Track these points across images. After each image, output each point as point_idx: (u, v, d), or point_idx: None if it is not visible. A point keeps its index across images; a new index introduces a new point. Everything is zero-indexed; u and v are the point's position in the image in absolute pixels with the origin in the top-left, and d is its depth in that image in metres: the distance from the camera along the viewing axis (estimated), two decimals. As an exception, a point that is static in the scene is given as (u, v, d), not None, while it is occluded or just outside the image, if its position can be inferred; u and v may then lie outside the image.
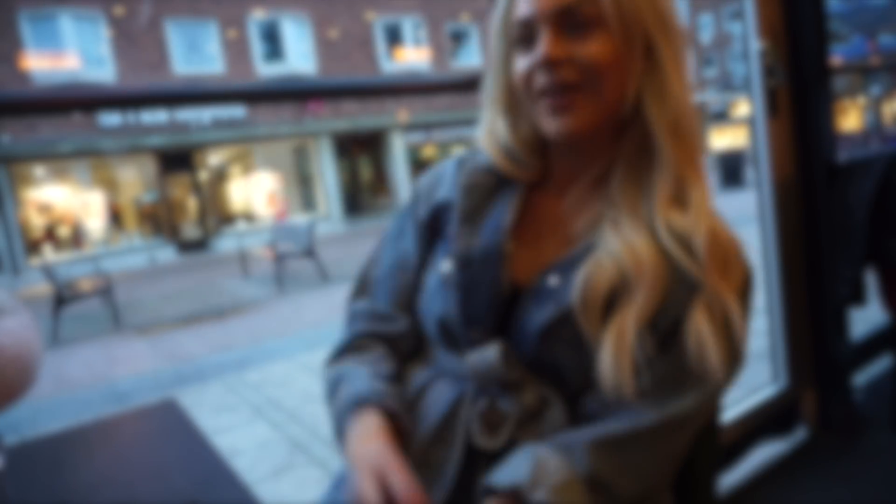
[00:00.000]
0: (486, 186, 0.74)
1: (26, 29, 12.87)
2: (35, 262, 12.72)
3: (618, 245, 0.64)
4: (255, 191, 16.52)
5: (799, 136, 1.71)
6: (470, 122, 0.77)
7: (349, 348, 0.77)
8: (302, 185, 17.34)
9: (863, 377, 2.02)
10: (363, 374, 0.71)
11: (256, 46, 15.57)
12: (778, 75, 1.66)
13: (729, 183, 12.73)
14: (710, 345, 0.61)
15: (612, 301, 0.63)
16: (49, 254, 13.62)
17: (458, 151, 0.82)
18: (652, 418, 0.62)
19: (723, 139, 23.19)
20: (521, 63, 0.67)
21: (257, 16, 15.47)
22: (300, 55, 16.05)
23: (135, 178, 15.25)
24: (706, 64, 24.80)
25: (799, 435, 1.78)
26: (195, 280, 10.14)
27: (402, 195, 17.22)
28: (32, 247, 13.61)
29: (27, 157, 13.37)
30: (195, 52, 14.88)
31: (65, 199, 14.15)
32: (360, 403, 0.67)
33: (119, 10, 13.73)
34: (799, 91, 1.69)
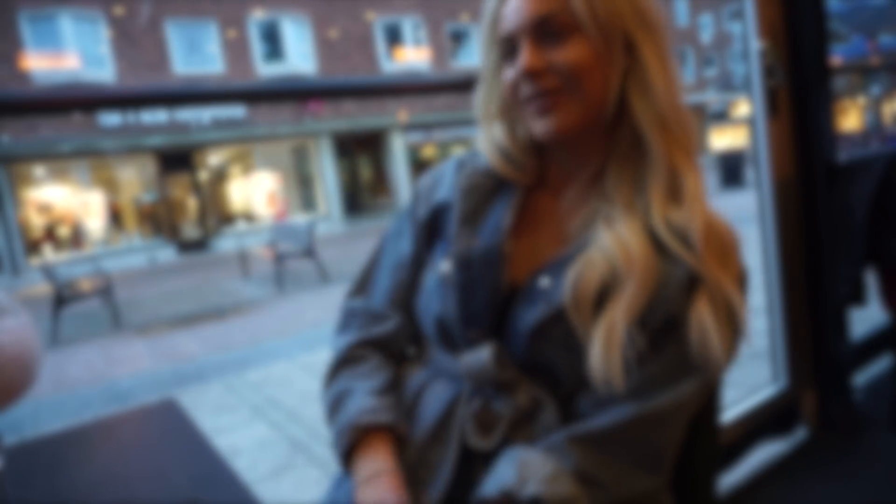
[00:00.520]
0: (486, 188, 0.75)
1: (26, 29, 12.87)
2: (35, 262, 12.72)
3: (609, 240, 0.65)
4: (254, 191, 16.52)
5: (799, 136, 1.71)
6: (470, 122, 0.78)
7: (345, 361, 0.78)
8: (302, 185, 17.34)
9: (863, 377, 2.01)
10: (359, 394, 0.73)
11: (256, 46, 15.57)
12: (778, 75, 1.66)
13: (729, 183, 12.73)
14: (713, 336, 0.62)
15: (603, 297, 0.64)
16: (49, 254, 13.62)
17: (458, 151, 0.83)
18: (632, 413, 0.63)
19: (723, 139, 23.20)
20: (508, 74, 0.69)
21: (257, 16, 15.47)
22: (300, 55, 16.05)
23: (135, 178, 15.25)
24: (706, 64, 24.79)
25: (799, 435, 1.78)
26: (195, 280, 10.14)
27: (402, 195, 17.23)
28: (32, 247, 13.61)
29: (27, 157, 13.37)
30: (195, 52, 14.88)
31: (65, 199, 14.15)
32: (356, 429, 0.70)
33: (119, 10, 13.73)
34: (799, 91, 1.69)
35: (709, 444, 0.80)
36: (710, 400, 0.78)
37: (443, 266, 0.73)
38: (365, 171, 19.04)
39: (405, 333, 0.79)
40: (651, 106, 0.65)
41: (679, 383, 0.64)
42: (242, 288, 8.44)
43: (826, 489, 1.55)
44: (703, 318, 0.62)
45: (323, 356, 0.81)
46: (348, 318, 0.82)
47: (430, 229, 0.78)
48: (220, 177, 16.93)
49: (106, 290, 6.95)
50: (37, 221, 13.98)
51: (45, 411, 3.81)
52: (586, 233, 0.68)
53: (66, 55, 13.16)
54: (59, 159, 13.85)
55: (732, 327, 0.63)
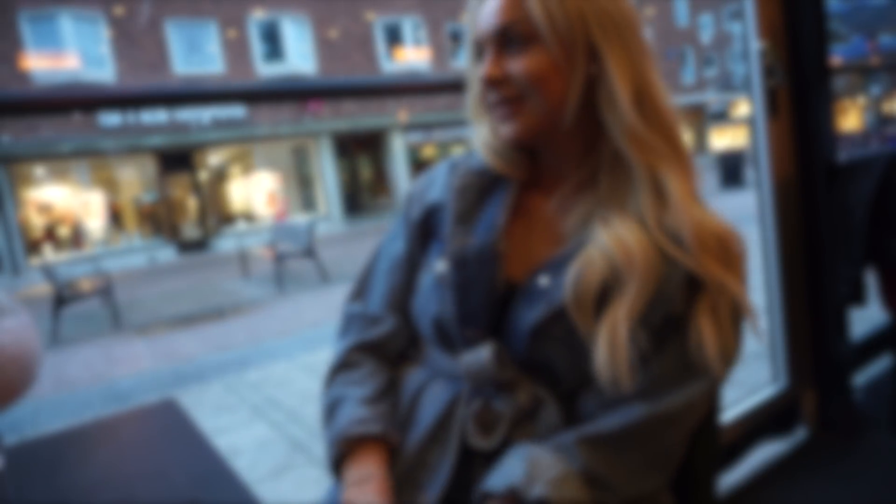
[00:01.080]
0: (479, 187, 0.75)
1: (26, 29, 12.87)
2: (35, 262, 12.72)
3: (608, 240, 0.64)
4: (254, 191, 16.52)
5: (799, 136, 1.71)
6: (470, 122, 0.79)
7: (341, 366, 0.79)
8: (302, 185, 17.33)
9: (863, 377, 2.01)
10: (350, 403, 0.74)
11: (256, 46, 15.56)
12: (778, 75, 1.66)
13: (729, 183, 12.73)
14: (717, 337, 0.62)
15: (604, 296, 0.63)
16: (49, 254, 13.62)
17: (458, 151, 0.83)
18: (643, 414, 0.63)
19: (723, 139, 23.21)
20: (476, 79, 0.72)
21: (257, 16, 15.46)
22: (300, 55, 16.05)
23: (135, 178, 15.25)
24: (706, 64, 24.79)
25: (799, 435, 1.78)
26: (195, 280, 10.14)
27: (402, 195, 17.21)
28: (32, 247, 13.61)
29: (27, 157, 13.37)
30: (195, 52, 14.88)
31: (65, 199, 14.14)
32: (346, 440, 0.71)
33: (119, 10, 13.73)
34: (799, 91, 1.69)
35: (709, 444, 0.80)
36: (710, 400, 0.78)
37: (438, 266, 0.73)
38: (365, 171, 19.04)
39: (402, 335, 0.80)
40: (618, 117, 0.65)
41: (687, 384, 0.64)
42: (242, 288, 8.44)
43: (826, 489, 1.55)
44: (705, 319, 0.62)
45: (323, 356, 0.81)
46: (347, 323, 0.83)
47: (424, 230, 0.78)
48: (220, 177, 16.93)
49: (106, 290, 6.95)
50: (37, 221, 13.98)
51: (45, 411, 3.81)
52: (583, 232, 0.68)
53: (66, 55, 13.16)
54: (59, 159, 13.84)
55: (736, 328, 0.63)
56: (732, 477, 1.61)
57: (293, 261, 8.33)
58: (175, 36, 14.57)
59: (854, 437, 1.74)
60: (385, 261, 0.82)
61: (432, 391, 0.73)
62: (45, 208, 14.03)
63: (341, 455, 0.71)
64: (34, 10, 12.85)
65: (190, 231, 15.81)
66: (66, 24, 13.27)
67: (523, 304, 0.68)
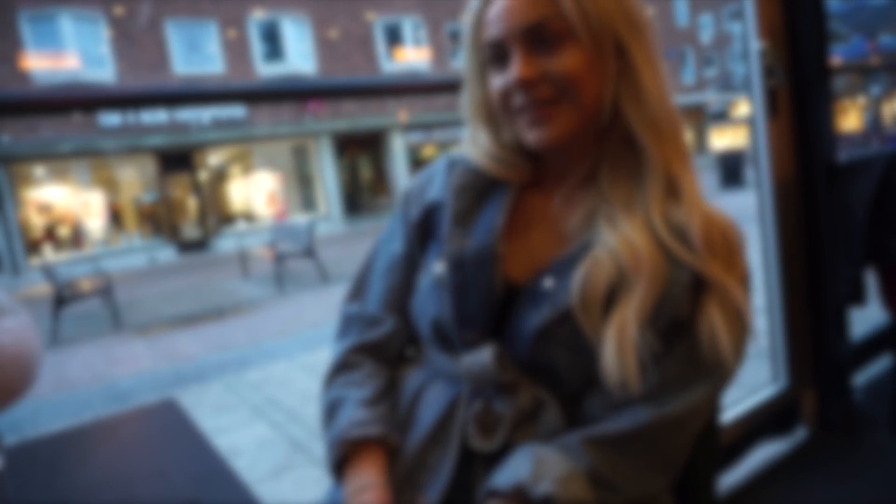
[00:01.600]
0: (478, 187, 0.75)
1: (26, 29, 12.87)
2: (35, 262, 12.72)
3: (614, 240, 0.64)
4: (254, 191, 16.52)
5: (799, 136, 1.71)
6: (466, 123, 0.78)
7: (340, 367, 0.79)
8: (302, 185, 17.33)
9: (863, 377, 2.01)
10: (350, 405, 0.73)
11: (256, 46, 15.57)
12: (778, 75, 1.66)
13: (729, 183, 12.73)
14: (723, 338, 0.61)
15: (611, 298, 0.63)
16: (49, 254, 13.62)
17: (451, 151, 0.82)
18: (649, 417, 0.62)
19: (723, 139, 23.19)
20: (497, 81, 0.68)
21: (257, 16, 15.47)
22: (300, 55, 16.05)
23: (135, 178, 15.25)
24: (706, 64, 24.79)
25: (799, 435, 1.78)
26: (195, 280, 10.14)
27: (400, 193, 17.20)
28: (32, 247, 13.61)
29: (27, 157, 13.37)
30: (195, 52, 14.88)
31: (65, 199, 14.14)
32: (346, 443, 0.70)
33: (119, 10, 13.73)
34: (799, 91, 1.69)
35: (709, 444, 0.80)
36: (710, 400, 0.78)
37: (436, 268, 0.72)
38: (365, 171, 19.04)
39: (401, 336, 0.79)
40: (643, 109, 0.65)
41: (693, 386, 0.64)
42: (242, 288, 8.44)
43: (826, 489, 1.55)
44: (712, 320, 0.62)
45: (323, 356, 0.81)
46: (346, 324, 0.82)
47: (423, 230, 0.77)
48: (220, 177, 16.93)
49: (106, 290, 6.95)
50: (37, 221, 13.98)
51: (45, 411, 3.81)
52: (587, 232, 0.68)
53: (66, 55, 13.16)
54: (59, 159, 13.84)
55: (741, 328, 0.63)
56: (732, 477, 1.61)
57: (293, 261, 8.33)
58: (175, 36, 14.57)
59: (854, 437, 1.74)
60: (383, 260, 0.81)
61: (432, 392, 0.73)
62: (45, 208, 14.03)
63: (341, 457, 0.71)
64: (34, 10, 12.85)
65: (190, 231, 15.81)
66: (66, 24, 13.27)
67: (527, 307, 0.67)
